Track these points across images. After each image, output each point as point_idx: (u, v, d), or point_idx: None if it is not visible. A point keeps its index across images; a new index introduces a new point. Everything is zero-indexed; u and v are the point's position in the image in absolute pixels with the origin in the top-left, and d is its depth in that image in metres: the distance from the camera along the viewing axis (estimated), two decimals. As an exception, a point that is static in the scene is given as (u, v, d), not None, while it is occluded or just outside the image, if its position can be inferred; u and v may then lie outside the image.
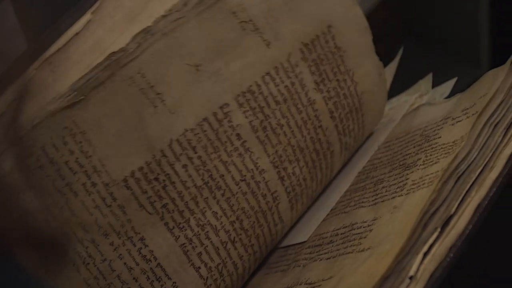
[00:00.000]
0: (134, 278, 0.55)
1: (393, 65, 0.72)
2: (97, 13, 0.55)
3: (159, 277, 0.55)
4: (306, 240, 0.63)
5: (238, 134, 0.57)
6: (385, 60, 0.74)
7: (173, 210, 0.55)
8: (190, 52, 0.56)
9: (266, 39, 0.58)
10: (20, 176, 0.51)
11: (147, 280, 0.55)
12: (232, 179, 0.57)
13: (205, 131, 0.56)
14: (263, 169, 0.59)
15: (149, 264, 0.55)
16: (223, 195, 0.57)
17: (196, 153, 0.56)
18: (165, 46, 0.55)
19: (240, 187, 0.58)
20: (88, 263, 0.53)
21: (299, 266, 0.61)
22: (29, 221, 0.51)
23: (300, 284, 0.58)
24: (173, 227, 0.55)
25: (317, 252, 0.61)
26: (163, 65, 0.55)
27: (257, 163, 0.58)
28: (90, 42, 0.54)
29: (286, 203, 0.61)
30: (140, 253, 0.55)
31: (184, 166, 0.56)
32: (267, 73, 0.58)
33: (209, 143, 0.56)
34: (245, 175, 0.58)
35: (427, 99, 0.70)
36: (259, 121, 0.58)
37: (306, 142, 0.61)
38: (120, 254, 0.54)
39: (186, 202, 0.56)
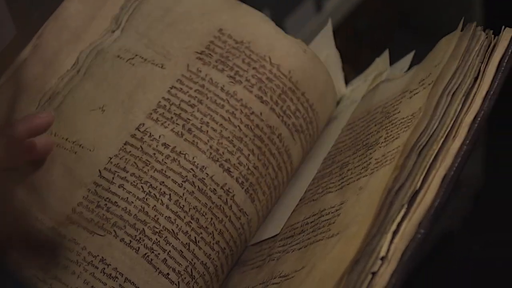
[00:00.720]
0: None
1: (326, 36, 0.72)
2: (42, 37, 0.63)
3: None
4: (278, 233, 0.63)
5: (164, 143, 0.61)
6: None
7: (124, 226, 0.59)
8: (91, 101, 0.62)
9: (158, 64, 0.64)
10: None
11: None
12: (173, 182, 0.60)
13: (129, 152, 0.61)
14: (203, 166, 0.61)
15: (116, 281, 0.57)
16: (170, 199, 0.60)
17: (127, 172, 0.60)
18: (68, 105, 0.62)
19: (185, 188, 0.60)
20: None
21: (273, 260, 0.60)
22: None
23: (274, 278, 0.58)
24: (130, 241, 0.58)
25: (289, 243, 0.60)
26: (71, 119, 0.62)
27: (194, 162, 0.61)
28: (39, 67, 0.62)
29: (243, 194, 0.62)
30: (104, 273, 0.57)
31: (120, 186, 0.60)
32: (172, 87, 0.63)
33: (138, 160, 0.60)
34: (186, 176, 0.61)
35: (386, 76, 0.69)
36: (181, 126, 0.62)
37: (242, 130, 0.63)
38: (85, 280, 0.57)
39: (135, 215, 0.59)
